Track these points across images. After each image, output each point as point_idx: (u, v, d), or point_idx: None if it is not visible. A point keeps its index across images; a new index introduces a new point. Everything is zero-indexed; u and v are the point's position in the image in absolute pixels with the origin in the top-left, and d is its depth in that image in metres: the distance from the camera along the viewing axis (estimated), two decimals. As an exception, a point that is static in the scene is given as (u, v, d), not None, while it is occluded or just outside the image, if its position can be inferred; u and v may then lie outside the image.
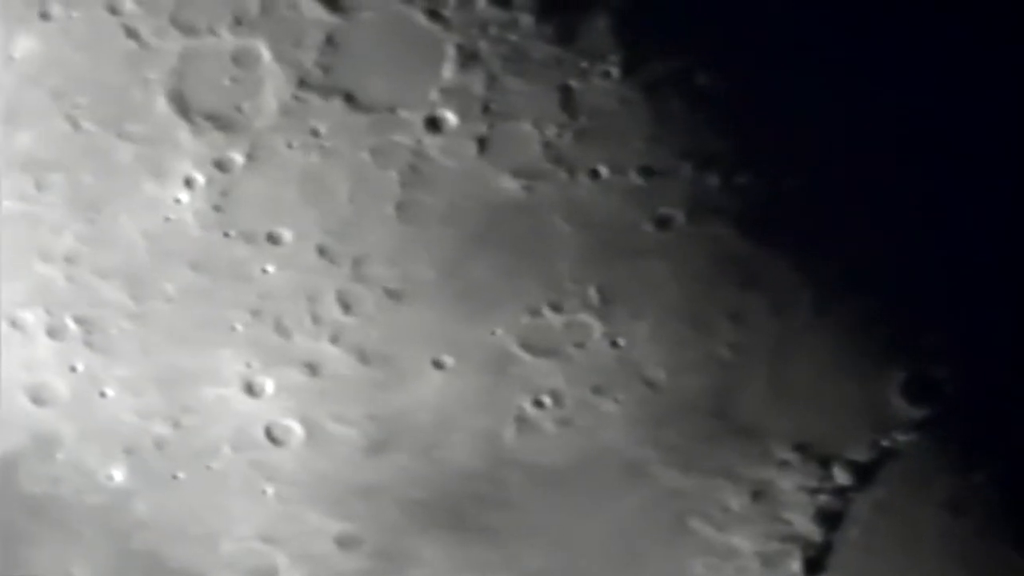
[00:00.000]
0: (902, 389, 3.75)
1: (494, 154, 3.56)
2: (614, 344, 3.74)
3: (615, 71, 3.47)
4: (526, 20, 3.42)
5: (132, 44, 3.49)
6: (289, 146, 3.55)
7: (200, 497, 4.06)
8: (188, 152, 3.58)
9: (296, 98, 3.50)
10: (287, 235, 3.67)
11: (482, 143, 3.55)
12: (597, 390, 3.79)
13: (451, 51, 3.45)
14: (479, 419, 3.87)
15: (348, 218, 3.63)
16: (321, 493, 4.01)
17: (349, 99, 3.51)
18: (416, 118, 3.53)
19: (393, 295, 3.72)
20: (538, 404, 3.82)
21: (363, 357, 3.80)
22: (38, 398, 3.95)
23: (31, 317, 3.83)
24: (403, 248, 3.67)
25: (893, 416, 3.78)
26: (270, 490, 4.01)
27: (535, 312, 3.72)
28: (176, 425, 3.96)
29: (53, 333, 3.85)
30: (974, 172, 3.59)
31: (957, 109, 3.54)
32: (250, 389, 3.88)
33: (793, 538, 3.93)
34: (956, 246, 3.63)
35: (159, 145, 3.59)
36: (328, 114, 3.52)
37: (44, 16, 3.49)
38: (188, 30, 3.47)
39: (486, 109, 3.50)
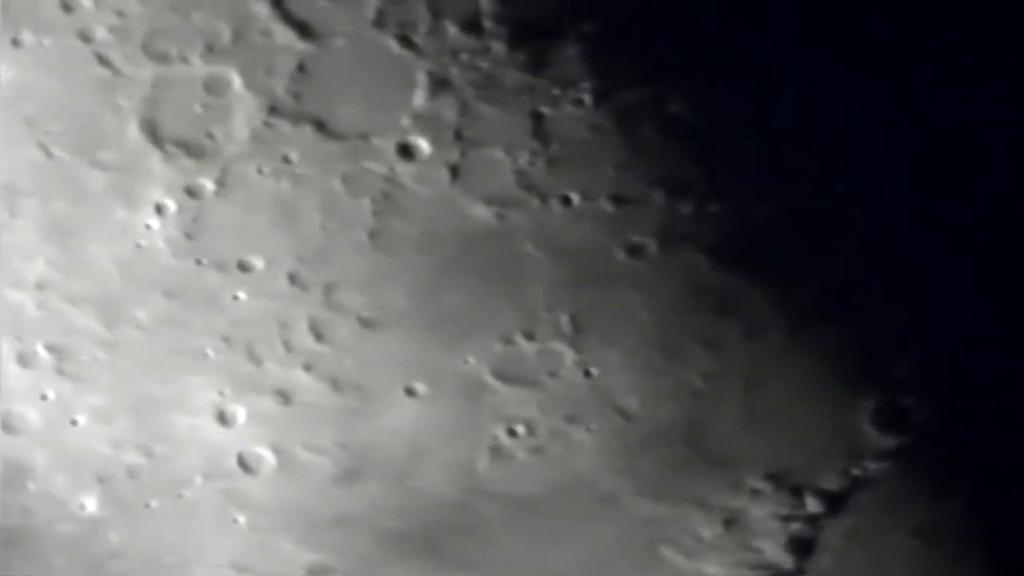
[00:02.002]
0: (873, 417, 3.75)
1: (466, 181, 3.55)
2: (587, 373, 3.73)
3: (587, 98, 3.47)
4: (498, 47, 3.42)
5: (104, 72, 3.48)
6: (260, 173, 3.54)
7: (173, 526, 4.04)
8: (159, 179, 3.57)
9: (267, 125, 3.49)
10: (258, 262, 3.66)
11: (454, 170, 3.54)
12: (570, 419, 3.78)
13: (422, 78, 3.44)
14: (452, 448, 3.85)
15: (320, 245, 3.62)
16: (293, 522, 3.99)
17: (320, 126, 3.50)
18: (388, 145, 3.52)
19: (365, 323, 3.71)
20: (511, 433, 3.81)
21: (335, 385, 3.79)
22: (8, 426, 3.93)
23: (1, 345, 3.81)
24: (375, 276, 3.66)
25: (864, 444, 3.77)
26: (242, 519, 3.99)
27: (508, 340, 3.71)
28: (148, 454, 3.94)
29: (24, 361, 3.83)
30: (947, 199, 3.59)
31: (929, 138, 3.55)
32: (222, 417, 3.86)
33: (765, 566, 3.91)
34: (928, 275, 3.63)
35: (130, 172, 3.58)
36: (299, 141, 3.51)
37: (15, 43, 3.48)
38: (160, 58, 3.46)
39: (458, 136, 3.50)
